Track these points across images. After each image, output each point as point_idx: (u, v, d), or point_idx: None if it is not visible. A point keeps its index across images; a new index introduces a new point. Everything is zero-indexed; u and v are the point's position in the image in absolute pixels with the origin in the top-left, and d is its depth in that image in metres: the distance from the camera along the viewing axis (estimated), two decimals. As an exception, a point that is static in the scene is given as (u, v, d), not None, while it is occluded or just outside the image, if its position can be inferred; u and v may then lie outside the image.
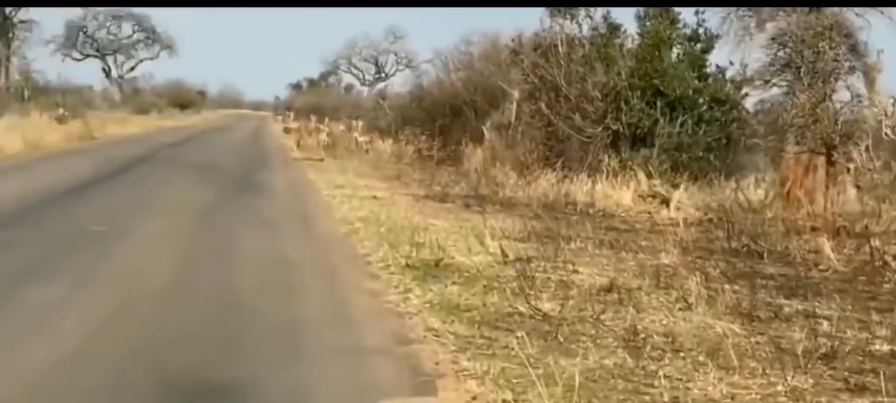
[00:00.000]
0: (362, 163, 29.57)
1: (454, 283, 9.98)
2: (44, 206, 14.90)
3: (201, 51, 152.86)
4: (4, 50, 54.93)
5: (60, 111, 47.13)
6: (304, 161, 31.72)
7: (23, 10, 55.82)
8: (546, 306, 8.72)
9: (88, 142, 36.80)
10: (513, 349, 7.15)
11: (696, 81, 22.26)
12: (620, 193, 19.98)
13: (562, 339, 7.62)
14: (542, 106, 23.84)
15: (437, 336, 7.69)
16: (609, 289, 9.66)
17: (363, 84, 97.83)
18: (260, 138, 52.33)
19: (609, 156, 21.80)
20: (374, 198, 19.36)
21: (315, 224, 15.23)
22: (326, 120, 64.69)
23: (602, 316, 8.39)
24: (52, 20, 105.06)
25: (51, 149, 30.56)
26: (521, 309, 8.64)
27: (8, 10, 55.11)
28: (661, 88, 21.89)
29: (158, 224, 13.82)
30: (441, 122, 33.85)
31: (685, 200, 18.99)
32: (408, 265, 10.93)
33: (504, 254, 11.60)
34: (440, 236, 12.97)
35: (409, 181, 23.98)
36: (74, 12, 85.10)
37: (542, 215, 16.08)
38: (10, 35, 55.46)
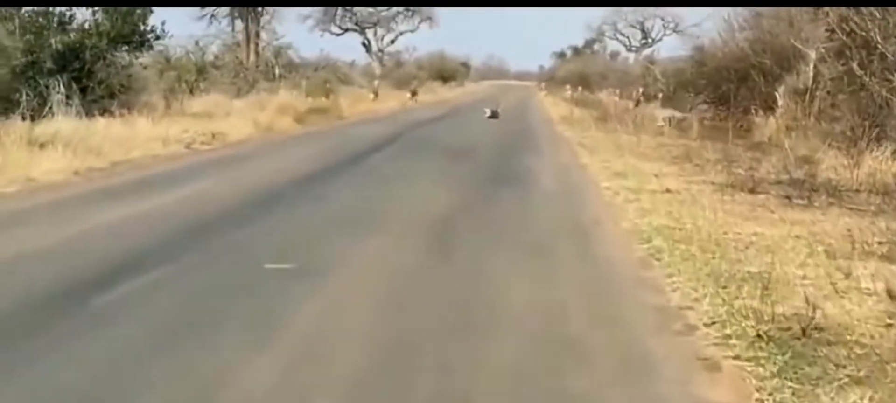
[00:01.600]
0: (640, 139, 24.60)
1: (848, 380, 5.61)
2: (221, 225, 10.80)
3: (464, 21, 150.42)
4: (253, 26, 52.68)
5: (307, 90, 44.27)
6: (573, 137, 27.10)
7: (271, -20, 53.45)
8: None
9: (331, 122, 33.37)
10: None
11: None
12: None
13: None
14: (855, 66, 19.12)
15: None
16: None
17: (629, 50, 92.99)
18: (523, 110, 48.03)
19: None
20: (667, 191, 14.68)
21: (597, 242, 10.48)
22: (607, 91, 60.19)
23: None
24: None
25: (284, 132, 27.15)
26: None
27: (256, -19, 52.85)
28: None
29: (370, 252, 9.41)
30: (725, 89, 29.38)
31: None
32: (760, 335, 6.43)
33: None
34: (775, 257, 9.14)
35: (700, 161, 18.96)
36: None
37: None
38: (259, 10, 53.09)
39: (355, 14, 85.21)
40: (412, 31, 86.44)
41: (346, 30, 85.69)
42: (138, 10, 27.08)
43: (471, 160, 19.67)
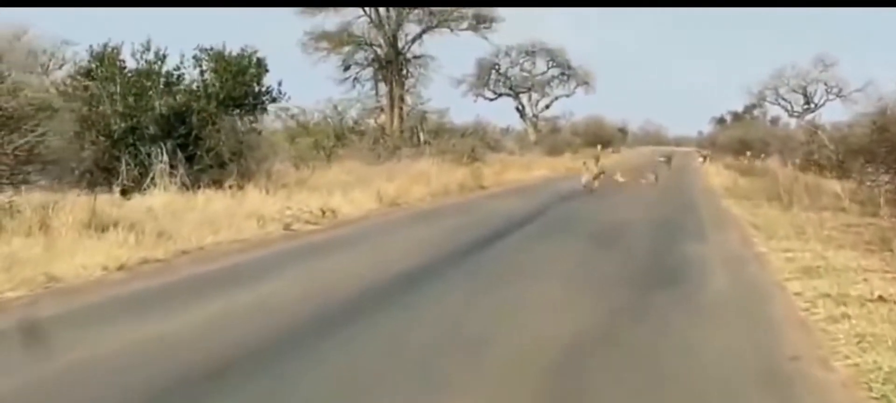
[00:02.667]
0: (821, 217, 20.54)
1: None
2: (244, 363, 7.45)
3: (621, 86, 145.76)
4: (398, 89, 50.05)
5: (452, 157, 41.31)
6: (742, 214, 23.14)
7: (417, 44, 50.81)
8: None
9: (469, 193, 30.08)
10: None
11: None
12: None
13: None
14: None
15: None
16: None
17: (791, 115, 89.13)
18: (682, 179, 43.88)
19: None
20: (880, 299, 10.72)
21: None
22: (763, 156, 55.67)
23: None
24: (457, 56, 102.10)
25: (411, 206, 23.97)
26: None
27: (401, 44, 50.27)
28: None
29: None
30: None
31: None
32: None
33: None
34: None
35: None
36: (485, 50, 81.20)
37: None
38: (404, 72, 50.50)
39: (510, 78, 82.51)
40: (568, 96, 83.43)
41: (500, 94, 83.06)
42: (252, 69, 24.40)
43: (619, 247, 16.02)
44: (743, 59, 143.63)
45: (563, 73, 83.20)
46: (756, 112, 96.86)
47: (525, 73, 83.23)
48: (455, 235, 17.02)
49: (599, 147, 66.49)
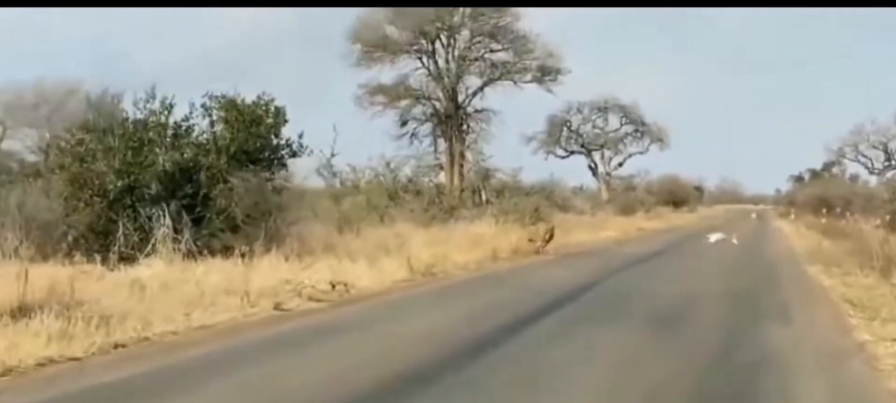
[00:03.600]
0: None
1: None
2: None
3: (696, 143, 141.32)
4: (458, 145, 47.05)
5: (515, 217, 38.15)
6: (832, 285, 19.71)
7: (477, 98, 47.77)
8: None
9: (522, 258, 27.00)
10: None
11: None
12: None
13: None
14: None
15: None
16: None
17: (871, 172, 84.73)
18: (760, 240, 40.20)
19: None
20: None
21: None
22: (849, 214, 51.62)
23: None
24: (528, 112, 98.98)
25: (446, 277, 20.97)
26: None
27: (461, 98, 47.35)
28: None
29: None
30: None
31: None
32: None
33: None
34: None
35: None
36: (554, 105, 78.30)
37: None
38: (465, 127, 47.51)
39: (582, 135, 79.38)
40: (642, 153, 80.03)
41: (572, 152, 79.90)
42: (268, 120, 21.56)
43: (681, 335, 12.74)
44: (821, 114, 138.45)
45: (636, 130, 79.97)
46: (835, 169, 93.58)
47: (597, 130, 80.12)
48: (478, 320, 13.85)
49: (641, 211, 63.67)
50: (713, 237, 37.58)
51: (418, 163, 44.96)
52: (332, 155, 37.81)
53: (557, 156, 79.28)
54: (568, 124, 79.71)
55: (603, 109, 79.73)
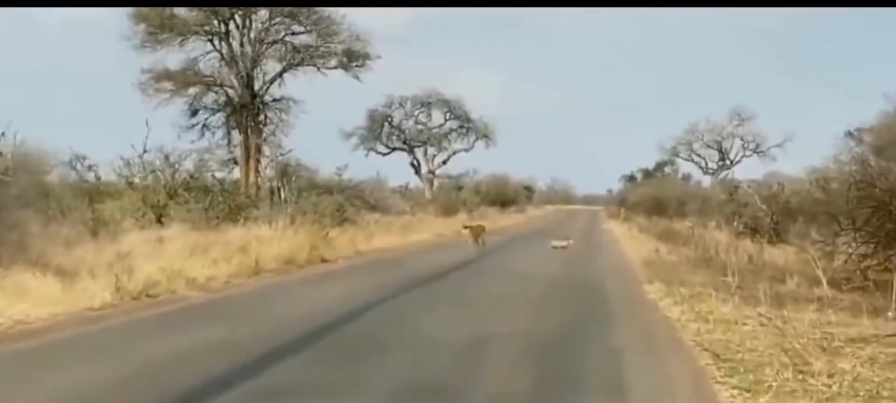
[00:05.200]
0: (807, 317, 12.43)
1: None
2: None
3: (525, 142, 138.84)
4: (254, 137, 41.35)
5: (311, 218, 32.83)
6: (682, 316, 14.78)
7: (276, 85, 42.10)
8: None
9: (298, 270, 21.74)
10: None
11: None
12: None
13: None
14: None
15: None
16: None
17: (705, 172, 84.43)
18: (590, 248, 35.76)
19: None
20: None
21: None
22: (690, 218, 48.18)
23: None
24: (333, 107, 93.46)
25: (176, 296, 15.63)
26: None
27: (258, 85, 41.61)
28: None
29: None
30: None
31: None
32: None
33: None
34: None
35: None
36: (376, 101, 73.10)
37: None
38: (262, 118, 41.86)
39: (404, 132, 74.34)
40: (467, 151, 75.51)
41: (394, 149, 74.79)
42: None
43: (494, 372, 7.58)
44: (656, 116, 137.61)
45: (461, 126, 75.39)
46: (668, 169, 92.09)
47: (420, 126, 75.20)
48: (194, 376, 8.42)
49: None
50: (537, 242, 33.18)
51: (206, 157, 38.96)
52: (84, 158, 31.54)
53: (378, 152, 74.29)
54: (389, 119, 74.70)
55: (426, 104, 75.04)
